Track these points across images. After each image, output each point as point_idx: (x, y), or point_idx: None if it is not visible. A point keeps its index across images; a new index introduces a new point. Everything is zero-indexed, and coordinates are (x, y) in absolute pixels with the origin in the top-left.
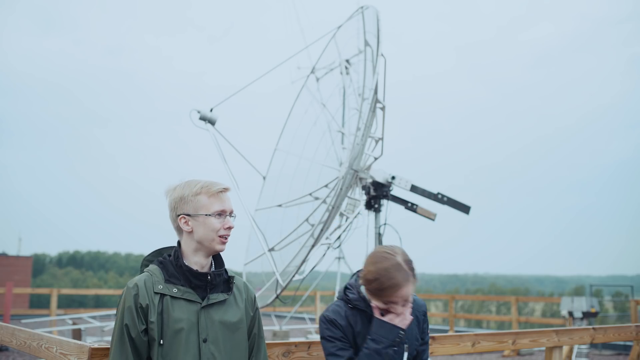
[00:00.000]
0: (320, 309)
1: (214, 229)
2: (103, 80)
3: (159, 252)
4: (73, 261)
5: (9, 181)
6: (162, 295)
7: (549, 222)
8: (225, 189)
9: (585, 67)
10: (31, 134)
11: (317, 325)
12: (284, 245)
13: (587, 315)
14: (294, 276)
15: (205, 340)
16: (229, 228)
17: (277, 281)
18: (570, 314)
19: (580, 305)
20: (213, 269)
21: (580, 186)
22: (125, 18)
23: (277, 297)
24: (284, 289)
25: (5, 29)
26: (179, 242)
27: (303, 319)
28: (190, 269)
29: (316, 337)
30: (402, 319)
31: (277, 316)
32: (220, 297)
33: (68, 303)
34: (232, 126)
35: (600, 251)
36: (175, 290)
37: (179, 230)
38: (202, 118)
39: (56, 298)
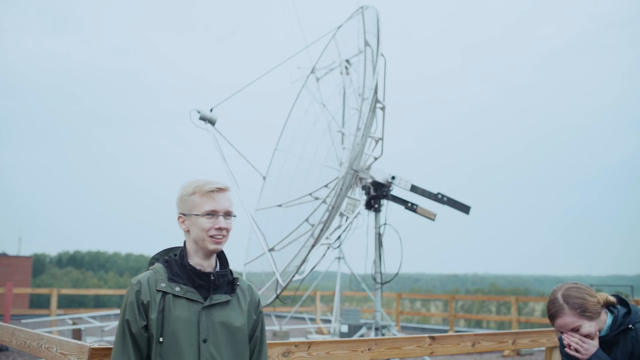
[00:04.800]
0: (320, 309)
1: (204, 228)
2: (107, 81)
3: (166, 252)
4: (73, 261)
5: (8, 181)
6: (165, 293)
7: (549, 222)
8: (220, 189)
9: (588, 68)
10: (31, 133)
11: (317, 325)
12: (284, 245)
13: None
14: (294, 276)
15: (205, 341)
16: (220, 229)
17: (277, 281)
18: None
19: None
20: (218, 269)
21: (581, 186)
22: (131, 18)
23: (277, 297)
24: (284, 289)
25: (6, 28)
26: (185, 242)
27: (303, 319)
28: (193, 269)
29: (316, 337)
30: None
31: (277, 316)
32: (222, 298)
33: (68, 303)
34: (233, 126)
35: (601, 251)
36: (177, 289)
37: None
38: (202, 118)
39: (56, 298)
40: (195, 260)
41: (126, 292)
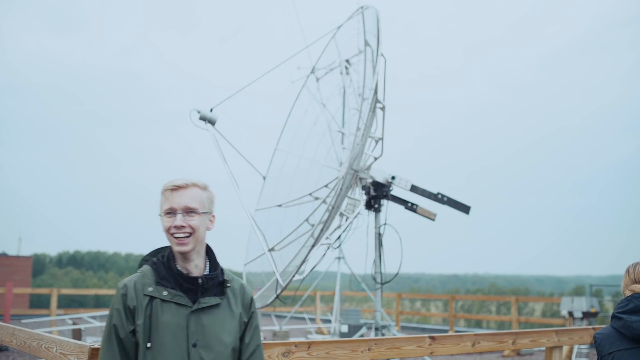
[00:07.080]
0: (320, 309)
1: (165, 228)
2: (109, 81)
3: (157, 252)
4: (73, 261)
5: (8, 181)
6: (152, 297)
7: (549, 222)
8: (178, 187)
9: (589, 68)
10: (31, 133)
11: (317, 325)
12: (284, 245)
13: (587, 315)
14: (294, 276)
15: (195, 345)
16: (178, 227)
17: (277, 281)
18: (570, 314)
19: (580, 305)
20: (208, 271)
21: (581, 187)
22: (134, 19)
23: (277, 297)
24: (284, 289)
25: (7, 29)
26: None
27: (303, 319)
28: (180, 273)
29: (316, 337)
30: None
31: (277, 316)
32: (212, 301)
33: (68, 303)
34: (233, 126)
35: (601, 251)
36: (165, 293)
37: None
38: (202, 118)
39: (56, 298)
40: (180, 263)
41: (114, 295)
